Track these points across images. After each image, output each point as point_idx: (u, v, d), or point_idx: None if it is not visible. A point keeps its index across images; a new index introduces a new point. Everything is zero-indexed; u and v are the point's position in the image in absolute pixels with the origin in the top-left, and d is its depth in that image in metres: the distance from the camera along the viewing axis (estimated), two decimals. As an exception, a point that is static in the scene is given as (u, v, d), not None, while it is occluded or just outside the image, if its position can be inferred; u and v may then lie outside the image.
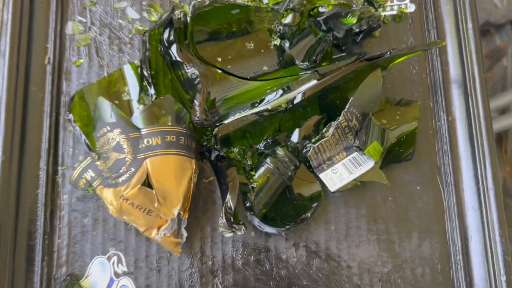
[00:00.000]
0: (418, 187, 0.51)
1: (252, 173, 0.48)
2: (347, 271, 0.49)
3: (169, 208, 0.44)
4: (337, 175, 0.48)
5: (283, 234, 0.47)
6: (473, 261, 0.48)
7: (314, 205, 0.48)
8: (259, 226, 0.48)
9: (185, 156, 0.46)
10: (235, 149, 0.48)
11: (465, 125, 0.51)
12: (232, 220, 0.45)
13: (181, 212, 0.45)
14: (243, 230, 0.45)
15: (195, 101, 0.46)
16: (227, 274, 0.48)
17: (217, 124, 0.46)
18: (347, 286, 0.49)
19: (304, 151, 0.48)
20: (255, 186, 0.47)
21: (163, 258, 0.49)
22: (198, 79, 0.47)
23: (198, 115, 0.46)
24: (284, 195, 0.49)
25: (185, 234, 0.47)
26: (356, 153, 0.48)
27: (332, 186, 0.48)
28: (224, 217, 0.44)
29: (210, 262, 0.49)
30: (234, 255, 0.49)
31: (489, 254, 0.48)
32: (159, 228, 0.45)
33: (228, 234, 0.45)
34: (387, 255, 0.49)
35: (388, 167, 0.50)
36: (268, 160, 0.47)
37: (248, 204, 0.47)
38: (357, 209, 0.50)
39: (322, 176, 0.48)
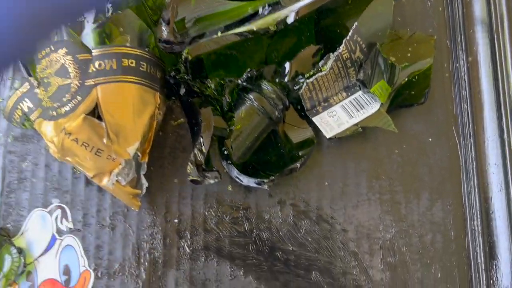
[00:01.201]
0: (430, 139, 0.43)
1: (231, 113, 0.39)
2: (342, 236, 0.40)
3: (122, 146, 0.35)
4: (335, 119, 0.39)
5: (267, 187, 0.38)
6: (494, 226, 0.40)
7: (305, 154, 0.40)
8: (237, 177, 0.39)
9: (147, 87, 0.37)
10: (210, 83, 0.39)
11: (489, 67, 0.43)
12: (203, 166, 0.36)
13: (139, 154, 0.36)
14: (216, 178, 0.36)
15: (161, 18, 0.37)
16: (197, 235, 0.40)
17: (185, 46, 0.37)
18: (341, 254, 0.40)
19: (295, 89, 0.39)
20: (233, 129, 0.38)
21: (118, 214, 0.40)
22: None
23: (166, 35, 0.37)
24: (269, 141, 0.40)
25: (145, 184, 0.37)
26: (359, 92, 0.40)
27: (328, 132, 0.39)
28: (194, 162, 0.35)
29: (176, 220, 0.40)
30: (206, 213, 0.40)
31: (514, 219, 0.40)
32: (111, 173, 0.36)
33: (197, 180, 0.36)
34: (390, 218, 0.41)
35: (396, 113, 0.42)
36: (251, 96, 0.38)
37: (225, 152, 0.39)
38: (357, 162, 0.42)
39: (316, 120, 0.40)
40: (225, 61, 0.38)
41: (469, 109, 0.42)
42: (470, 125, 0.42)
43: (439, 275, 0.40)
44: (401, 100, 0.41)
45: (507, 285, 0.39)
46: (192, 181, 0.36)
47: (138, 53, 0.37)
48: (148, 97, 0.37)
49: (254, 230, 0.40)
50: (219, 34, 0.37)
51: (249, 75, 0.38)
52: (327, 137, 0.39)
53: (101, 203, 0.40)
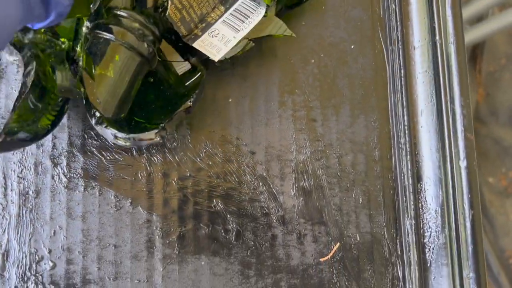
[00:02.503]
0: (352, 46, 0.37)
1: (85, 63, 0.30)
2: (248, 158, 0.35)
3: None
4: (218, 38, 0.32)
5: (159, 139, 0.30)
6: (423, 144, 0.35)
7: (194, 88, 0.32)
8: (117, 139, 0.30)
9: None
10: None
11: (420, -41, 0.36)
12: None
13: None
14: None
15: None
16: (75, 161, 0.34)
17: None
18: (247, 178, 0.35)
19: (160, 14, 0.31)
20: (95, 80, 0.30)
21: (-21, 138, 0.34)
22: None
23: None
24: (148, 86, 0.33)
25: None
26: (238, 1, 0.33)
27: (215, 54, 0.32)
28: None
29: (50, 144, 0.34)
30: (86, 135, 0.34)
31: (445, 133, 0.34)
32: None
33: None
34: (304, 137, 0.35)
35: (308, 16, 0.36)
36: (109, 31, 0.29)
37: (96, 113, 0.30)
38: (266, 75, 0.36)
39: (197, 45, 0.32)
40: None
41: (396, 10, 0.36)
42: (398, 29, 0.36)
43: (360, 200, 0.35)
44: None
45: (436, 208, 0.34)
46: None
47: None
48: None
49: (145, 155, 0.34)
50: None
51: (97, 8, 0.30)
52: (215, 59, 0.32)
53: (-42, 125, 0.34)
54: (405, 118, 0.35)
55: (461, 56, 0.34)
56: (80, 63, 0.31)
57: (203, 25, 0.32)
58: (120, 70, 0.30)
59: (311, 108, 0.36)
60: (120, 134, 0.30)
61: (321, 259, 0.34)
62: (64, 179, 0.33)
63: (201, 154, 0.34)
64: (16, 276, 0.32)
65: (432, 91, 0.35)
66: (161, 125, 0.30)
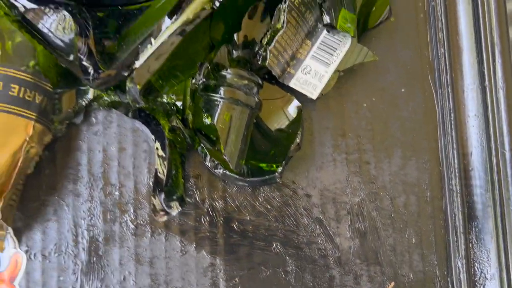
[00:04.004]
0: (403, 90, 0.38)
1: (188, 111, 0.34)
2: (305, 202, 0.36)
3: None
4: (312, 75, 0.34)
5: (279, 180, 0.34)
6: (474, 185, 0.36)
7: (295, 125, 0.35)
8: (240, 182, 0.35)
9: (16, 115, 0.31)
10: (164, 98, 0.33)
11: (468, 3, 0.37)
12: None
13: None
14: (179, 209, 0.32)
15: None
16: (141, 209, 0.35)
17: (125, 75, 0.30)
18: (304, 221, 0.36)
19: (259, 61, 0.33)
20: (217, 138, 0.33)
21: (50, 188, 0.35)
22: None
23: (90, 66, 0.30)
24: (257, 130, 0.35)
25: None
26: (323, 33, 0.34)
27: (312, 92, 0.34)
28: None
29: (117, 193, 0.35)
30: (151, 183, 0.35)
31: (495, 176, 0.35)
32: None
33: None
34: (358, 180, 0.37)
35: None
36: (219, 93, 0.32)
37: (210, 162, 0.34)
38: (319, 119, 0.37)
39: (293, 84, 0.34)
40: (173, 70, 0.32)
41: (446, 54, 0.37)
42: (448, 72, 0.37)
43: (413, 240, 0.36)
44: (363, 23, 0.36)
45: (489, 247, 0.35)
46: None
47: (4, 72, 0.31)
48: (17, 125, 0.31)
49: (207, 200, 0.36)
50: (153, 42, 0.30)
51: (203, 70, 0.32)
52: (314, 97, 0.34)
53: (29, 177, 0.35)
54: (456, 160, 0.37)
55: (510, 100, 0.35)
56: (190, 118, 0.33)
57: (294, 62, 0.34)
58: (235, 125, 0.32)
59: (364, 151, 0.37)
60: (244, 180, 0.34)
61: (377, 298, 0.36)
62: (131, 226, 0.35)
63: (260, 198, 0.36)
64: (91, 321, 0.34)
65: (482, 134, 0.36)
66: (279, 168, 0.34)
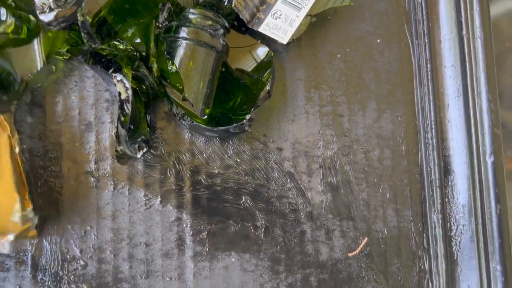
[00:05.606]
0: (378, 40, 0.36)
1: (162, 67, 0.32)
2: (276, 155, 0.35)
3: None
4: (282, 19, 0.33)
5: (248, 129, 0.32)
6: (450, 138, 0.35)
7: (266, 73, 0.33)
8: (208, 132, 0.33)
9: None
10: (121, 43, 0.32)
11: (446, -49, 0.36)
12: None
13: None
14: (143, 151, 0.30)
15: None
16: (103, 160, 0.34)
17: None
18: (275, 175, 0.35)
19: (225, 3, 0.32)
20: (179, 83, 0.31)
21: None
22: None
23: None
24: (224, 77, 0.33)
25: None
26: None
27: (283, 37, 0.33)
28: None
29: (77, 144, 0.34)
30: (113, 134, 0.34)
31: (472, 128, 0.34)
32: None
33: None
34: (331, 133, 0.35)
35: (337, 13, 0.35)
36: (183, 33, 0.30)
37: (177, 111, 0.33)
38: (292, 70, 0.35)
39: (262, 29, 0.33)
40: (130, 7, 0.31)
41: (423, 3, 0.36)
42: (424, 22, 0.36)
43: (388, 195, 0.35)
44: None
45: (464, 203, 0.34)
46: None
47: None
48: None
49: (173, 153, 0.34)
50: None
51: (165, 11, 0.31)
52: (284, 42, 0.33)
53: None
54: (432, 113, 0.35)
55: (488, 50, 0.34)
56: (155, 66, 0.31)
57: (264, 6, 0.32)
58: (200, 68, 0.31)
59: (338, 103, 0.35)
60: (211, 130, 0.32)
61: (349, 254, 0.34)
62: (92, 179, 0.33)
63: (229, 152, 0.34)
64: (49, 276, 0.32)
65: (459, 85, 0.35)
66: (248, 116, 0.31)
